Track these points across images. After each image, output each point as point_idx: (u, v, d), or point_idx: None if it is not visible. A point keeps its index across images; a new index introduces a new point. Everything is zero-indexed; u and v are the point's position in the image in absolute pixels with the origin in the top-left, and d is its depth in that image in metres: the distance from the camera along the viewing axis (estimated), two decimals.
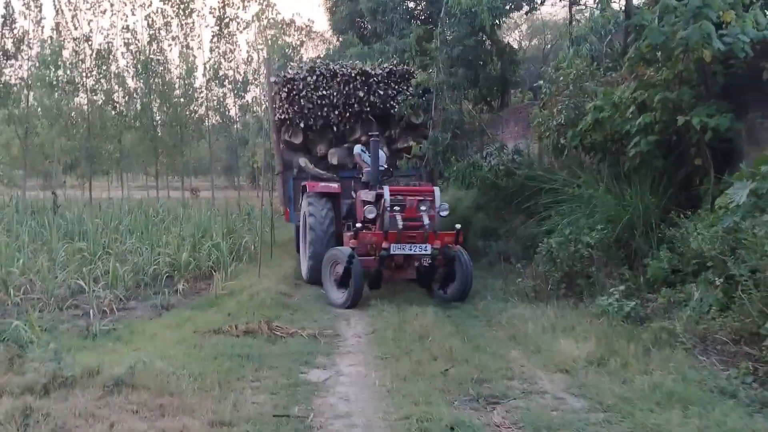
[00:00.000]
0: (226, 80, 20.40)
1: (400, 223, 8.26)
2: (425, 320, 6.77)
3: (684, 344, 5.21)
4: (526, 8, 12.62)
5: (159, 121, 19.86)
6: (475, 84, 14.34)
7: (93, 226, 12.25)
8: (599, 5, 8.21)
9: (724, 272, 5.80)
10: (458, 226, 8.68)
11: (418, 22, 19.55)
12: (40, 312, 7.60)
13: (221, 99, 21.13)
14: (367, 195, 9.19)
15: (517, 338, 6.13)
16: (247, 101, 22.04)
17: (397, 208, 8.43)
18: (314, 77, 11.52)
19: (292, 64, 17.03)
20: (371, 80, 11.63)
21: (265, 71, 12.27)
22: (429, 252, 8.25)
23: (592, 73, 9.60)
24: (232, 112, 21.57)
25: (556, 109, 10.00)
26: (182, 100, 20.15)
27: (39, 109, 18.94)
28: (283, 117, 11.62)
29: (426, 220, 8.42)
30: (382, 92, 11.63)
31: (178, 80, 20.37)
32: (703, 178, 7.80)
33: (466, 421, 4.04)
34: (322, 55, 20.56)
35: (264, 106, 22.43)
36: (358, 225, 8.51)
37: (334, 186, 10.20)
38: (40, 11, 20.27)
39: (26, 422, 3.92)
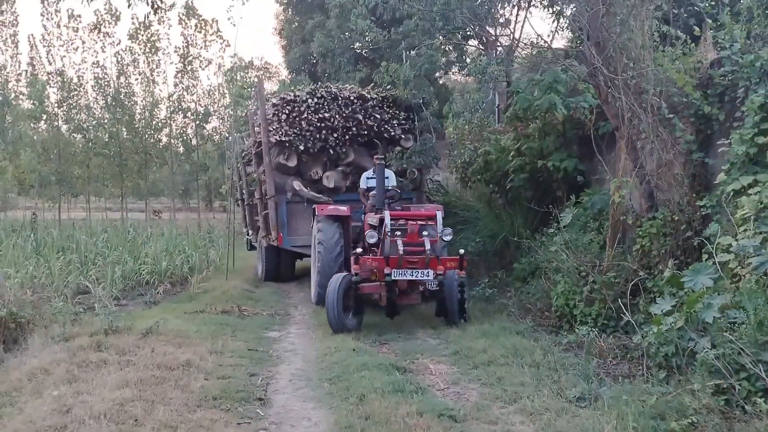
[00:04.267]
0: (189, 112, 23.22)
1: (401, 248, 8.25)
2: None
3: (512, 312, 8.41)
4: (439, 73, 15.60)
5: (125, 149, 22.42)
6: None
7: (81, 241, 14.89)
8: (480, 82, 11.42)
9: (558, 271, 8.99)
10: (462, 251, 8.62)
11: (364, 63, 22.78)
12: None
13: (183, 129, 23.94)
14: (373, 219, 9.33)
15: (414, 315, 9.20)
16: (208, 131, 24.86)
17: (398, 232, 8.49)
18: (315, 99, 11.80)
19: (248, 103, 19.89)
20: (368, 104, 12.13)
21: (257, 94, 12.59)
22: (431, 278, 8.19)
23: (488, 124, 12.91)
24: (194, 141, 24.28)
25: (462, 150, 13.28)
26: (148, 131, 22.86)
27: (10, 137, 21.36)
28: (282, 139, 11.61)
29: (428, 245, 8.37)
30: (378, 116, 12.09)
31: (143, 111, 23.08)
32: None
33: (363, 348, 7.09)
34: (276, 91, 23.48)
35: (221, 135, 25.40)
36: (359, 250, 8.65)
37: (344, 209, 10.06)
38: (17, 47, 23.01)
39: (100, 347, 6.81)
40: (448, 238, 8.78)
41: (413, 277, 8.23)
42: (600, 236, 8.70)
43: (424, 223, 8.69)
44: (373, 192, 9.80)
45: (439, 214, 8.97)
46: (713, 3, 8.05)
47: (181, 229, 19.65)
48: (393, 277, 8.12)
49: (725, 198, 6.55)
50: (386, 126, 12.16)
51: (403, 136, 12.32)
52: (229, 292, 11.13)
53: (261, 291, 11.96)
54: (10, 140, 20.25)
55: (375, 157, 10.52)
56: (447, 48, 15.20)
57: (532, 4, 11.40)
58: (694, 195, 7.45)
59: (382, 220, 8.83)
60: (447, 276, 8.18)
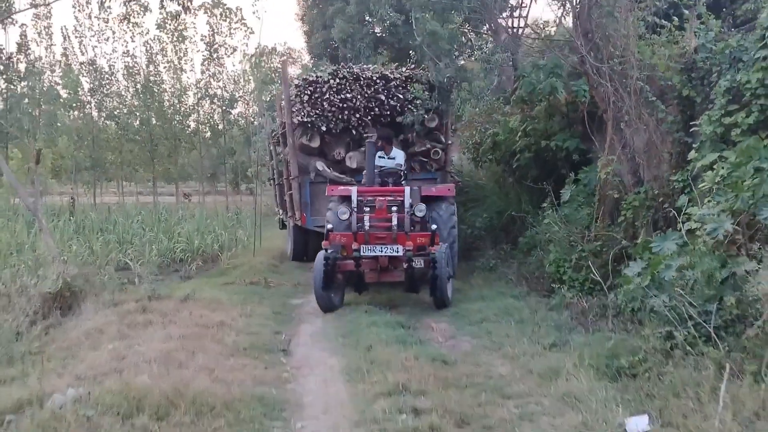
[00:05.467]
0: (215, 98, 24.37)
1: (368, 224, 8.57)
2: None
3: (511, 280, 9.39)
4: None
5: (155, 134, 23.66)
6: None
7: (118, 222, 16.15)
8: (486, 69, 12.24)
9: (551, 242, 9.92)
10: (434, 226, 8.80)
11: (385, 47, 23.64)
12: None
13: (210, 115, 25.14)
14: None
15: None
16: (234, 116, 26.05)
17: (367, 209, 8.75)
18: (337, 80, 11.87)
19: (272, 87, 20.93)
20: (391, 84, 12.05)
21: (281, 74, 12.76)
22: (401, 253, 8.32)
23: (498, 106, 13.78)
24: (220, 126, 25.47)
25: (474, 131, 14.19)
26: (177, 117, 24.10)
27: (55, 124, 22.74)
28: (304, 120, 11.83)
29: (394, 221, 8.61)
30: (401, 96, 12.02)
31: (172, 98, 24.30)
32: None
33: (374, 310, 8.14)
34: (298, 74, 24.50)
35: (247, 119, 26.59)
36: (329, 226, 8.88)
37: (354, 189, 9.77)
38: (51, 39, 24.27)
39: (145, 311, 7.94)
40: (420, 213, 9.00)
41: (382, 253, 8.48)
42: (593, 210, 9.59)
43: (392, 198, 8.90)
44: (383, 169, 10.08)
45: (407, 190, 9.03)
46: None
47: (210, 211, 20.85)
48: (361, 253, 8.44)
49: (693, 173, 7.42)
50: (409, 106, 12.01)
51: (426, 116, 12.08)
52: (256, 266, 12.23)
53: (285, 266, 13.07)
54: (46, 128, 21.51)
55: (365, 135, 10.76)
56: (466, 30, 16.04)
57: None
58: (674, 171, 8.30)
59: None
60: (435, 255, 8.21)
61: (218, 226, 16.15)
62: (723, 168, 6.80)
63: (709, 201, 6.88)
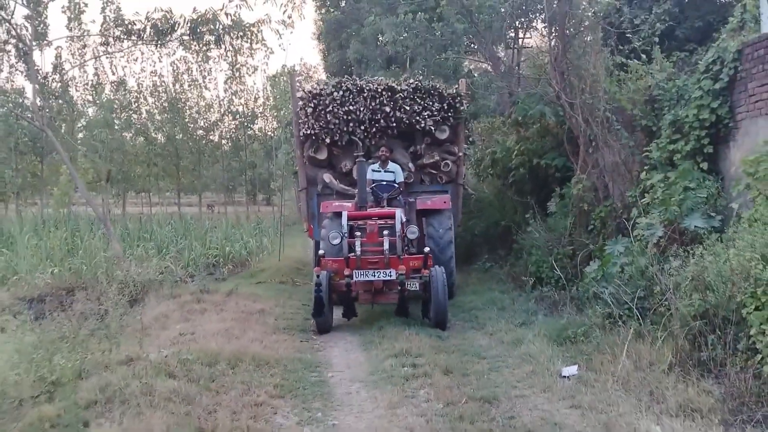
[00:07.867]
0: (237, 114, 26.62)
1: (359, 249, 8.63)
2: None
3: (501, 279, 11.44)
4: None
5: (180, 149, 25.92)
6: None
7: (155, 231, 18.34)
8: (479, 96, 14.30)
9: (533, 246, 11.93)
10: (427, 249, 9.06)
11: (397, 66, 25.78)
12: None
13: (233, 130, 27.40)
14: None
15: None
16: (254, 132, 28.29)
17: (358, 233, 8.87)
18: (341, 92, 11.96)
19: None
20: (397, 96, 12.06)
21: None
22: (394, 277, 8.46)
23: (498, 127, 15.84)
24: (241, 141, 27.72)
25: (476, 149, 16.27)
26: (200, 132, 26.37)
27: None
28: (308, 132, 12.05)
29: (386, 245, 8.67)
30: (408, 108, 12.03)
31: (197, 115, 26.57)
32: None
33: None
34: None
35: (266, 135, 28.84)
36: (321, 252, 9.11)
37: (348, 205, 10.19)
38: (83, 58, 26.62)
39: (199, 301, 10.05)
40: (412, 236, 9.22)
41: (374, 278, 8.60)
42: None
43: (383, 222, 9.01)
44: (377, 183, 10.55)
45: (398, 212, 9.24)
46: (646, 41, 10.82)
47: (233, 221, 23.06)
48: (354, 278, 8.57)
49: (644, 190, 9.43)
50: (417, 117, 12.10)
51: (433, 128, 12.24)
52: (282, 269, 14.38)
53: (308, 269, 15.15)
54: (82, 145, 23.84)
55: (354, 154, 11.15)
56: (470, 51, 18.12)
57: (528, 30, 14.33)
58: (633, 188, 10.32)
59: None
60: (432, 275, 8.51)
61: (244, 235, 18.28)
62: (660, 188, 8.85)
63: (651, 213, 8.94)
